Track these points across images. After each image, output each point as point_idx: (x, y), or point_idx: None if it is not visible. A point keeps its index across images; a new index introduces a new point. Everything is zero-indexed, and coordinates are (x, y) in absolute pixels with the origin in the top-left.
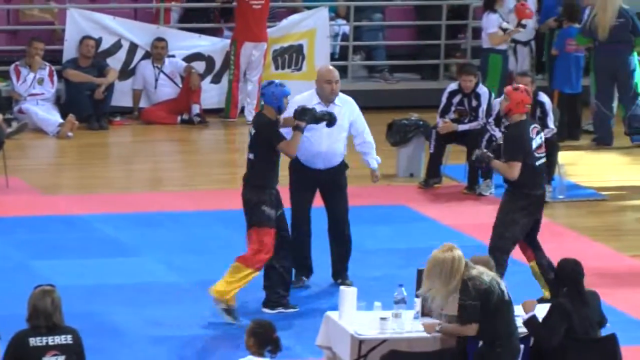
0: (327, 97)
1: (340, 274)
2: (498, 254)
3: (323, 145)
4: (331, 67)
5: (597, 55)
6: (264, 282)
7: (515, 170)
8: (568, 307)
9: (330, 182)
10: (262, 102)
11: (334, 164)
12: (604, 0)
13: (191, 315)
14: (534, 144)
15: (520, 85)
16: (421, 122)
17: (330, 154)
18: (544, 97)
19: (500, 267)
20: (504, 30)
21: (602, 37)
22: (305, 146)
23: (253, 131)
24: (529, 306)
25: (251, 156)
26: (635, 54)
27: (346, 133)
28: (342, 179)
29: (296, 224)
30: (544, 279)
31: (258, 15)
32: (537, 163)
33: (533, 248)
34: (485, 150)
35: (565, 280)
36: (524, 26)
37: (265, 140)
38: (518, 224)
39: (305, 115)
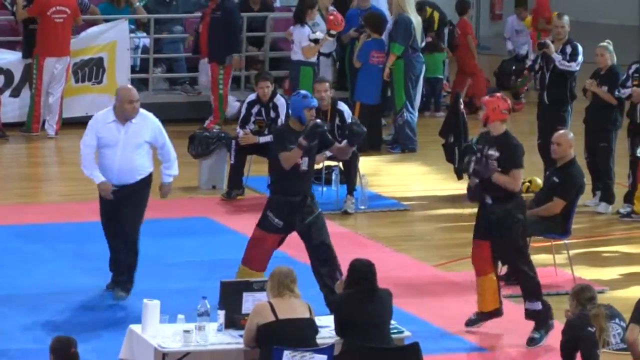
0: (128, 117)
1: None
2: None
3: (116, 162)
4: (130, 86)
5: (411, 62)
6: None
7: (519, 180)
8: (342, 301)
9: (125, 198)
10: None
11: (128, 181)
12: (411, 7)
13: None
14: None
15: (497, 94)
16: (223, 134)
17: (123, 170)
18: (343, 106)
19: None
20: (315, 41)
21: (421, 43)
22: (101, 161)
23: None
24: None
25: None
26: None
27: (145, 149)
28: (137, 195)
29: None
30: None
31: (60, 30)
32: None
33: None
34: (490, 162)
35: (354, 278)
36: (333, 35)
37: (273, 147)
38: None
39: (312, 137)
